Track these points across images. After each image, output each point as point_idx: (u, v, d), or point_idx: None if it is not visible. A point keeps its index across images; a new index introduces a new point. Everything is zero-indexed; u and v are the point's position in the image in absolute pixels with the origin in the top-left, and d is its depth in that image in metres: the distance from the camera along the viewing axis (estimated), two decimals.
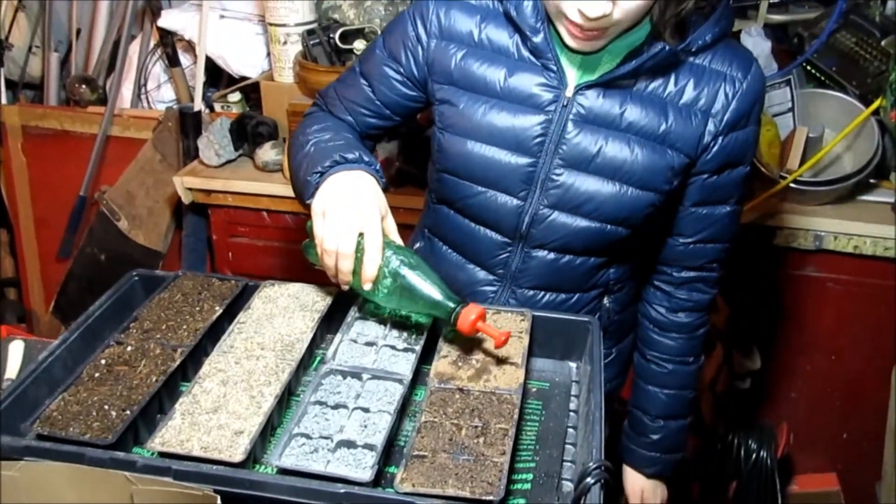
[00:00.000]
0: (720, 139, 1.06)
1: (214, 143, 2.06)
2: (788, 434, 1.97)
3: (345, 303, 1.07)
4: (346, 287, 0.99)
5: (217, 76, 2.42)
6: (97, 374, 0.94)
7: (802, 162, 1.81)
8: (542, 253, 1.13)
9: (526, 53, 1.05)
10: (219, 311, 1.05)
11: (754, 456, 1.92)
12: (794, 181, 1.79)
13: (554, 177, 1.07)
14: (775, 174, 1.81)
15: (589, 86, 1.03)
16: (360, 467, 0.82)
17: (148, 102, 2.51)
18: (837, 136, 1.80)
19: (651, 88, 1.04)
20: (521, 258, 1.14)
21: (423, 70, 1.11)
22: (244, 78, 2.27)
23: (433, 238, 1.25)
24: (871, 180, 1.88)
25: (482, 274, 1.18)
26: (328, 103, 1.20)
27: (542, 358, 1.08)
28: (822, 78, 1.95)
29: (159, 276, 1.14)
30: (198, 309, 1.06)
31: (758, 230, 1.82)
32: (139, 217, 2.44)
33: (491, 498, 0.77)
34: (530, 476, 0.89)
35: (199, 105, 2.19)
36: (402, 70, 1.12)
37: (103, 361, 0.96)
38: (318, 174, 1.00)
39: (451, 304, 0.95)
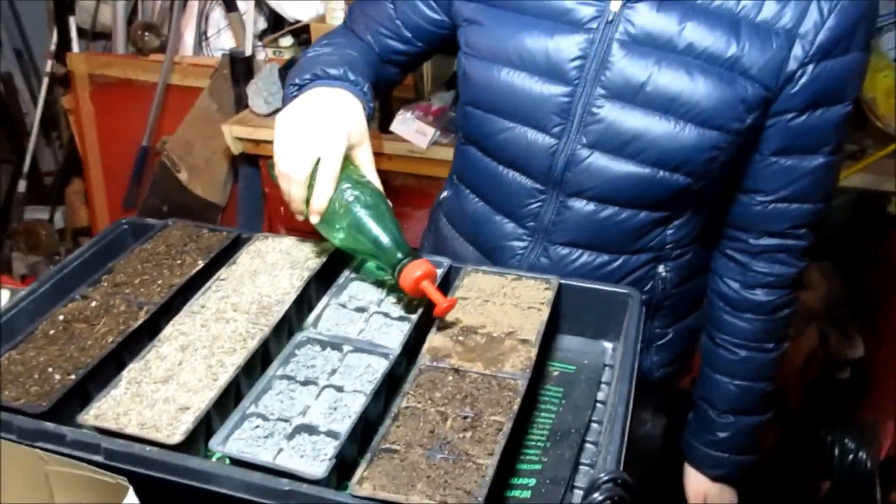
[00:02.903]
0: (810, 67, 0.83)
1: (263, 90, 1.96)
2: (894, 434, 1.70)
3: (342, 261, 0.92)
4: (300, 218, 0.87)
5: (280, 22, 2.31)
6: (52, 332, 0.83)
7: None
8: (579, 203, 0.94)
9: None
10: (200, 264, 0.93)
11: (851, 456, 1.66)
12: None
13: (594, 110, 0.88)
14: (893, 129, 1.52)
15: None
16: (318, 459, 0.68)
17: (209, 49, 2.43)
18: None
19: (719, 1, 0.82)
20: (556, 208, 0.96)
21: None
22: (299, 22, 2.15)
23: (460, 185, 1.08)
24: None
25: (510, 226, 1.01)
26: (351, 18, 1.07)
27: (571, 335, 0.89)
28: None
29: (150, 224, 1.03)
30: (178, 262, 0.94)
31: (869, 196, 1.54)
32: (197, 168, 2.38)
33: None
34: (532, 482, 0.72)
35: (249, 50, 2.08)
36: None
37: (62, 317, 0.85)
38: (296, 87, 0.89)
39: (399, 255, 0.80)
